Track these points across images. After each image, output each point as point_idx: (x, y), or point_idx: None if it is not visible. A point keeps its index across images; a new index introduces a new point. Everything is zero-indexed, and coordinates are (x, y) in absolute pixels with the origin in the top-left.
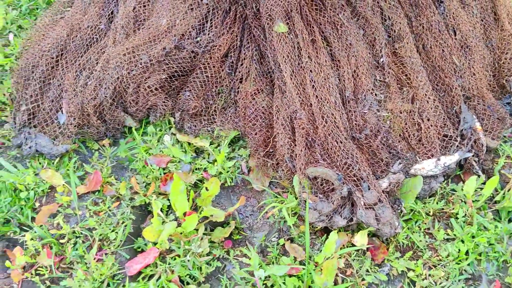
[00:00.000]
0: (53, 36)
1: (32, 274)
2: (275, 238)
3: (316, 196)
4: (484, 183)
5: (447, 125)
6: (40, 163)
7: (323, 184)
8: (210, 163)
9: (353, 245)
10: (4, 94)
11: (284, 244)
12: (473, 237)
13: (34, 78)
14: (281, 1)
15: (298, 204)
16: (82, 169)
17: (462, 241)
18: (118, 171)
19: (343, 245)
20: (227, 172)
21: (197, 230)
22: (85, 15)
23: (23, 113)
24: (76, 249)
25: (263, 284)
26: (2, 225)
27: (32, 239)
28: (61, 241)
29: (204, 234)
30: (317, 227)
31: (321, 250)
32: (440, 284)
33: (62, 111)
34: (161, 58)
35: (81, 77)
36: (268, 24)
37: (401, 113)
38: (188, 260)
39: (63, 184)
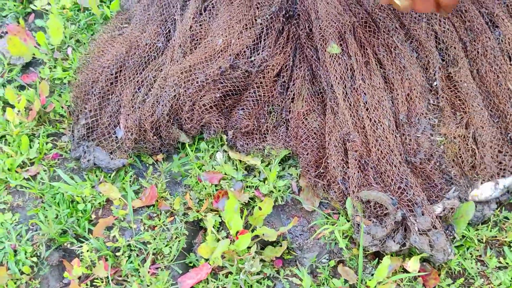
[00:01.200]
0: (113, 53)
1: (87, 285)
2: (326, 259)
3: (370, 220)
4: None
5: (503, 152)
6: (96, 176)
7: (376, 208)
8: (261, 181)
9: (405, 270)
10: (62, 107)
11: (334, 266)
12: None
13: (94, 93)
14: (335, 22)
15: (350, 227)
16: (137, 183)
17: None
18: (172, 186)
19: (395, 270)
20: (278, 191)
21: (249, 248)
22: (143, 32)
23: (82, 127)
24: (131, 262)
25: None
26: (59, 236)
27: (88, 250)
28: (117, 253)
29: (255, 252)
30: (369, 251)
31: (372, 274)
32: None
33: (119, 126)
34: (217, 77)
35: (139, 93)
36: (321, 44)
37: (455, 138)
38: (241, 278)
39: (119, 198)
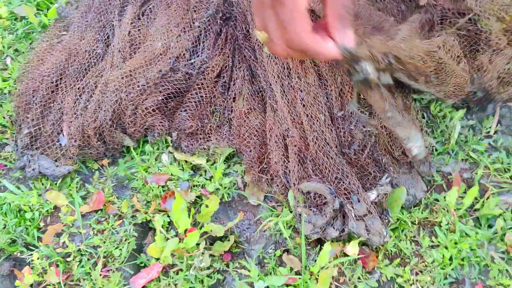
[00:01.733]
0: (52, 61)
1: None
2: (272, 250)
3: (310, 209)
4: (465, 192)
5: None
6: (43, 184)
7: (316, 198)
8: (208, 179)
9: (345, 254)
10: (4, 117)
11: (280, 255)
12: (456, 243)
13: (35, 102)
14: None
15: (293, 218)
16: (84, 188)
17: (446, 248)
18: (118, 189)
19: (336, 255)
20: (224, 188)
21: (198, 244)
22: (82, 39)
23: (25, 136)
24: (82, 266)
25: None
26: (8, 246)
27: (39, 258)
28: (67, 259)
29: (204, 248)
30: (311, 239)
31: (315, 260)
32: None
33: (63, 133)
34: (158, 80)
35: (80, 100)
36: (258, 45)
37: (382, 128)
38: (191, 274)
39: (67, 205)
